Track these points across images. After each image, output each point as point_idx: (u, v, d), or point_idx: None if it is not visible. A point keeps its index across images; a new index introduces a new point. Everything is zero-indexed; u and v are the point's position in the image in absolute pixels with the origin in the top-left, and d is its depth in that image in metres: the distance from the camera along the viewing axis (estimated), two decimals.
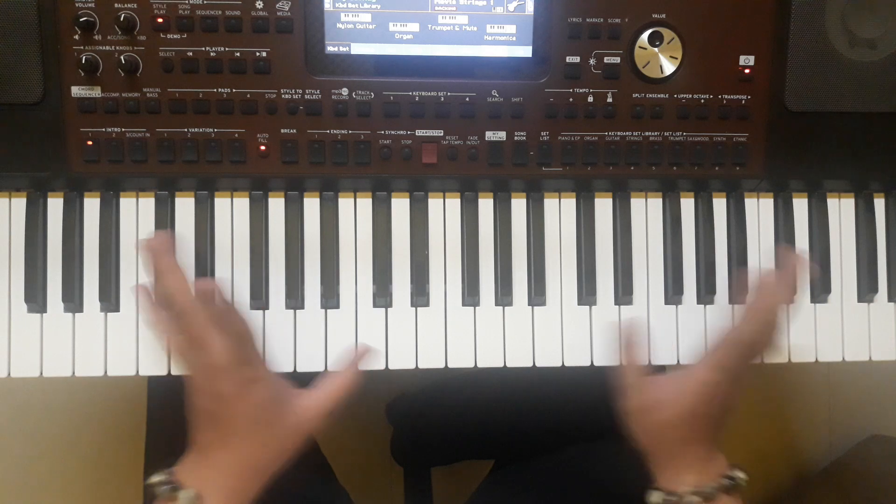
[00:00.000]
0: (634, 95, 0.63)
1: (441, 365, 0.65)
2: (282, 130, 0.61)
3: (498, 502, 0.80)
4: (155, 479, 0.57)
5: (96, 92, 0.60)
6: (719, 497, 0.58)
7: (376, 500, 0.72)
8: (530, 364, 0.66)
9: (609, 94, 0.63)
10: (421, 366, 0.65)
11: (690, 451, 0.60)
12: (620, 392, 0.62)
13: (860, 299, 0.69)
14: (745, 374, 0.61)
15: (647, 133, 0.63)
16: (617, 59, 0.62)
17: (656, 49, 0.62)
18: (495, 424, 0.65)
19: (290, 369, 0.65)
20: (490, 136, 0.63)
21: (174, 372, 0.63)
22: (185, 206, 0.64)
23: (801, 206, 0.68)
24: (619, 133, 0.63)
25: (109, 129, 0.60)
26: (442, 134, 0.62)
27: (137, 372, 0.63)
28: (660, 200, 0.67)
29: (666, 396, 0.60)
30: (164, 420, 0.76)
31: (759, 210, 0.68)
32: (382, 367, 0.65)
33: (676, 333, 0.67)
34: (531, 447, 0.78)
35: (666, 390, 0.60)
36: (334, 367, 0.64)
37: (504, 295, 0.65)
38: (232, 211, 0.65)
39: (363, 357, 0.64)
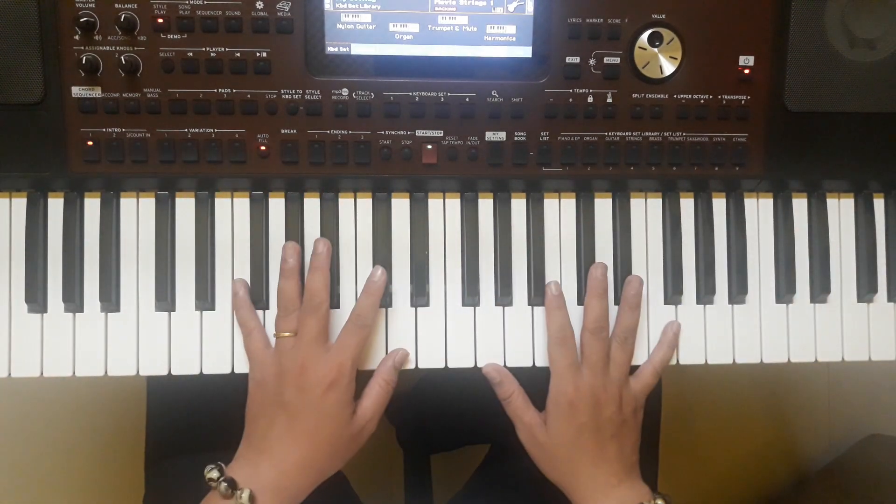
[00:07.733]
0: (634, 96, 0.63)
1: (441, 365, 0.65)
2: (282, 131, 0.61)
3: (494, 486, 0.81)
4: (211, 474, 0.58)
5: (96, 92, 0.60)
6: None
7: (376, 485, 0.72)
8: (530, 364, 0.66)
9: (609, 95, 0.63)
10: (421, 366, 0.65)
11: (600, 475, 0.61)
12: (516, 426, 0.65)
13: (860, 299, 0.69)
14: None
15: (646, 133, 0.63)
16: (617, 60, 0.62)
17: (656, 49, 0.62)
18: (491, 408, 0.66)
19: None
20: (490, 136, 0.63)
21: (175, 372, 0.63)
22: (185, 207, 0.64)
23: (800, 206, 0.68)
24: (618, 133, 0.63)
25: (110, 130, 0.60)
26: (442, 134, 0.62)
27: (138, 372, 0.63)
28: (659, 200, 0.67)
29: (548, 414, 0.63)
30: (164, 419, 0.76)
31: (759, 210, 0.68)
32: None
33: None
34: None
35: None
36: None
37: (504, 295, 0.65)
38: (232, 211, 0.65)
39: (401, 360, 0.65)
